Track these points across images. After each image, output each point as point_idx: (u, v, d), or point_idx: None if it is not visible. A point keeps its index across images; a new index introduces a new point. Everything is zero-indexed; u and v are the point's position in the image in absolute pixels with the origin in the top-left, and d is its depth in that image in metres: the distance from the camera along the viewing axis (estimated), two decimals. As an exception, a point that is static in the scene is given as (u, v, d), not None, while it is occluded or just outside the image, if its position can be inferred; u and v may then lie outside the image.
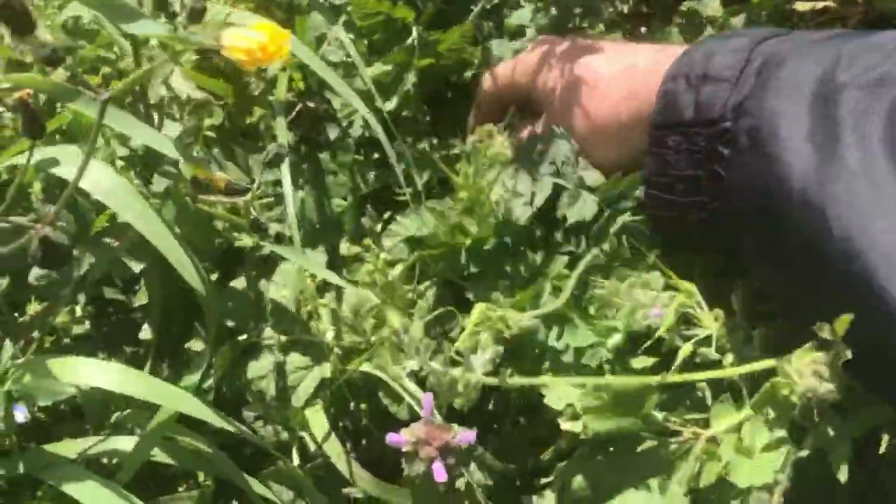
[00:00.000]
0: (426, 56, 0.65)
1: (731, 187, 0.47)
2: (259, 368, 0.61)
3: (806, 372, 0.43)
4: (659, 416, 0.50)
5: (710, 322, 0.51)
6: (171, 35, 0.41)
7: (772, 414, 0.46)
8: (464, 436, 0.54)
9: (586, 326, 0.56)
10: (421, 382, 0.58)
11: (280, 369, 0.61)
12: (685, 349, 0.50)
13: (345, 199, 0.68)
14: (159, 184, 0.51)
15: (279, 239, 0.52)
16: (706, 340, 0.51)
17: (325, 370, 0.61)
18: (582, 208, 0.57)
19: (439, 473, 0.52)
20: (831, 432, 0.46)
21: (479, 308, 0.50)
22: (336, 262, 0.67)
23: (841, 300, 0.41)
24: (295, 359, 0.62)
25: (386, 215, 0.68)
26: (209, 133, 0.60)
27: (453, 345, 0.48)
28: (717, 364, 0.51)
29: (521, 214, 0.58)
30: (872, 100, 0.41)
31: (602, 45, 0.59)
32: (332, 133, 0.67)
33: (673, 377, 0.48)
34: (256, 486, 0.56)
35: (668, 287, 0.52)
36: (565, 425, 0.48)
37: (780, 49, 0.47)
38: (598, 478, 0.50)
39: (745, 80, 0.47)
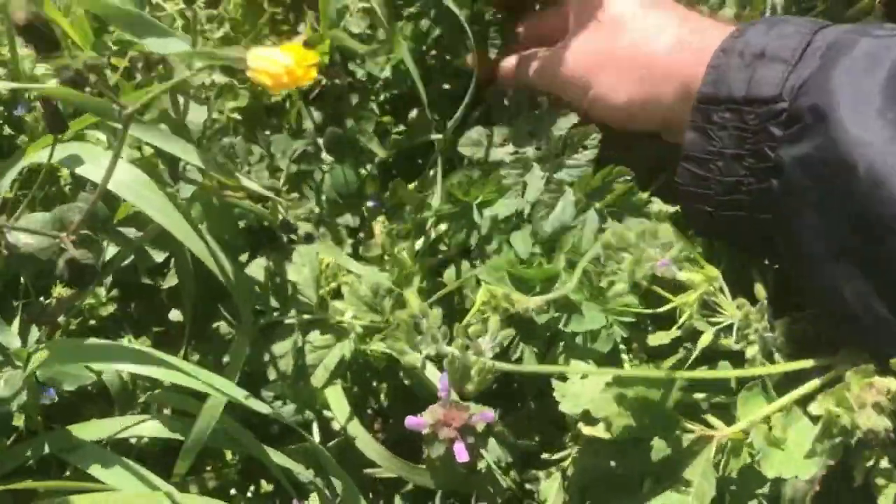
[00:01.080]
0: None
1: (786, 165, 0.46)
2: (282, 348, 0.62)
3: (867, 402, 0.41)
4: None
5: (733, 309, 0.50)
6: (199, 53, 0.40)
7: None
8: (483, 415, 0.54)
9: (598, 308, 0.55)
10: (439, 363, 0.59)
11: (300, 349, 0.62)
12: (706, 337, 0.49)
13: (367, 168, 0.68)
14: (185, 190, 0.51)
15: (309, 239, 0.52)
16: (728, 328, 0.50)
17: (345, 349, 0.61)
18: (560, 215, 0.57)
19: (461, 454, 0.53)
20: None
21: (484, 288, 0.50)
22: (361, 232, 0.68)
23: None
24: (315, 338, 0.62)
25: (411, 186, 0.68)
26: (234, 115, 0.60)
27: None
28: (739, 354, 0.50)
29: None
30: None
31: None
32: (355, 100, 0.66)
33: (698, 373, 0.48)
34: (280, 459, 0.57)
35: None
36: (586, 430, 0.48)
37: (848, 35, 0.46)
38: (609, 468, 0.50)
39: (806, 61, 0.46)
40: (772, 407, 0.48)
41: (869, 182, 0.41)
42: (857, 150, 0.42)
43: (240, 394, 0.52)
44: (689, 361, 0.50)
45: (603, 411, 0.47)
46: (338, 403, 0.61)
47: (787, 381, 0.49)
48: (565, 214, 0.57)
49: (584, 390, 0.50)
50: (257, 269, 0.61)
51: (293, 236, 0.60)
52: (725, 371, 0.50)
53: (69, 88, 0.41)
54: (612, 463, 0.50)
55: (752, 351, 0.50)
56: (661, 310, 0.51)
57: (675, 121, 0.54)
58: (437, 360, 0.44)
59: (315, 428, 0.63)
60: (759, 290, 0.51)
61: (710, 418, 0.49)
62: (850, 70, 0.44)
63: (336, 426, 0.64)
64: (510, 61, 0.65)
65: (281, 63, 0.38)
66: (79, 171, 0.47)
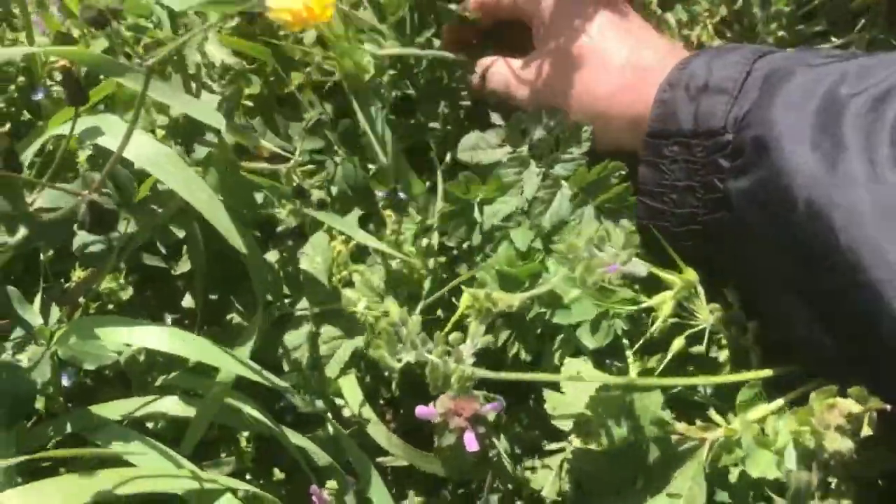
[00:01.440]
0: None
1: (733, 197, 0.47)
2: (295, 338, 0.62)
3: (831, 424, 0.41)
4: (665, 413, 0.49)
5: (706, 314, 0.51)
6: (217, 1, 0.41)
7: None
8: (492, 405, 0.55)
9: (590, 300, 0.55)
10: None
11: (313, 339, 0.62)
12: (677, 343, 0.51)
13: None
14: (200, 152, 0.51)
15: (322, 205, 0.53)
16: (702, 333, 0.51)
17: (359, 341, 0.62)
18: (558, 210, 0.58)
19: (471, 443, 0.53)
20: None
21: (467, 293, 0.50)
22: (370, 227, 0.68)
23: (845, 308, 0.41)
24: (328, 329, 0.62)
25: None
26: (247, 102, 0.61)
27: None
28: (713, 360, 0.52)
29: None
30: (878, 112, 0.41)
31: (622, 19, 0.57)
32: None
33: (678, 380, 0.49)
34: (298, 440, 0.57)
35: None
36: (577, 441, 0.48)
37: (785, 63, 0.47)
38: (603, 469, 0.50)
39: (746, 92, 0.47)
40: (768, 408, 0.48)
41: (807, 215, 0.42)
42: (794, 183, 0.42)
43: (252, 369, 0.52)
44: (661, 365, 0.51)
45: (595, 424, 0.48)
46: (351, 392, 0.62)
47: (787, 382, 0.49)
48: (562, 209, 0.58)
49: (575, 399, 0.51)
50: (269, 259, 0.62)
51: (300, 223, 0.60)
52: (699, 378, 0.51)
53: (87, 50, 0.42)
54: (605, 465, 0.50)
55: (723, 355, 0.52)
56: (649, 302, 0.52)
57: (627, 148, 0.55)
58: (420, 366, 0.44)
59: (328, 418, 0.63)
60: (732, 294, 0.52)
61: (712, 414, 0.50)
62: (786, 102, 0.45)
63: (347, 413, 0.64)
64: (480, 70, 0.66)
65: (300, 0, 0.39)
66: (99, 141, 0.47)
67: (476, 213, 0.61)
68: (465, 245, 0.62)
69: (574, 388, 0.51)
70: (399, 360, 0.43)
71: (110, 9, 0.40)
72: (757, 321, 0.50)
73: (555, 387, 0.53)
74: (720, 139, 0.47)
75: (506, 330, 0.59)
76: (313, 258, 0.62)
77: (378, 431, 0.61)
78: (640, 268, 0.47)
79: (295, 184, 0.51)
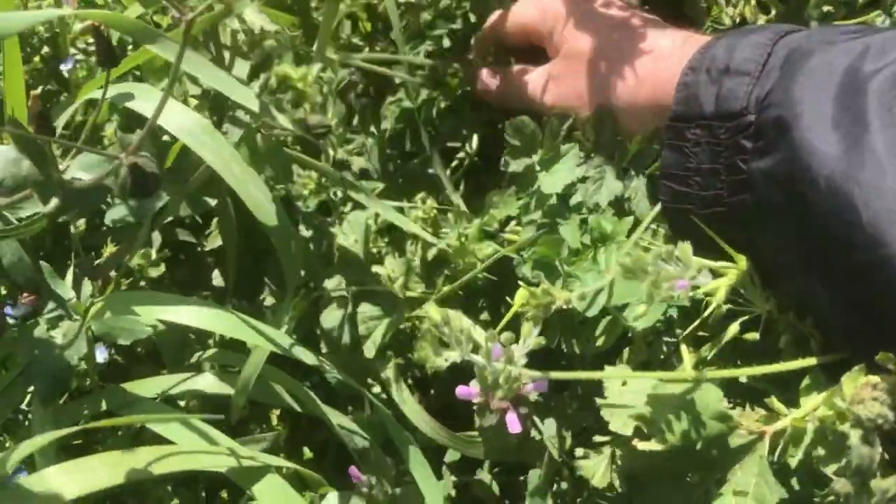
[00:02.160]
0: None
1: (756, 178, 0.47)
2: (333, 318, 0.61)
3: (865, 397, 0.41)
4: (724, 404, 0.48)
5: (761, 301, 0.50)
6: None
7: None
8: (536, 385, 0.53)
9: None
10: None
11: (352, 319, 0.61)
12: (732, 329, 0.49)
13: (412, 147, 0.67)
14: (234, 134, 0.50)
15: (364, 174, 0.51)
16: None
17: (397, 321, 0.60)
18: (611, 186, 0.57)
19: (513, 424, 0.52)
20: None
21: (521, 292, 0.49)
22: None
23: (866, 286, 0.41)
24: (366, 309, 0.61)
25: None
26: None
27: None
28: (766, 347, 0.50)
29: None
30: None
31: (632, 16, 0.58)
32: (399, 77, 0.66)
33: (734, 371, 0.48)
34: (338, 419, 0.56)
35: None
36: (642, 445, 0.47)
37: (806, 42, 0.47)
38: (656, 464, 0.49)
39: (768, 73, 0.47)
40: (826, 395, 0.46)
41: (828, 192, 0.41)
42: (815, 161, 0.42)
43: (286, 342, 0.51)
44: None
45: (654, 422, 0.46)
46: (389, 372, 0.61)
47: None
48: (615, 186, 0.57)
49: (631, 398, 0.49)
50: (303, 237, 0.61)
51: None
52: (759, 367, 0.48)
53: (121, 14, 0.40)
54: (662, 461, 0.49)
55: (782, 341, 0.50)
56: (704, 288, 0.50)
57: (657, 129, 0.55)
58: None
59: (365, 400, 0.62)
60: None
61: (774, 403, 0.48)
62: (807, 81, 0.44)
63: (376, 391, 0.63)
64: (490, 80, 0.67)
65: None
66: (131, 105, 0.46)
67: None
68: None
69: (630, 391, 0.50)
70: (445, 360, 0.42)
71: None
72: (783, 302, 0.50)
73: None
74: (742, 120, 0.47)
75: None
76: (349, 236, 0.61)
77: (416, 413, 0.60)
78: (708, 278, 0.45)
79: (333, 154, 0.50)
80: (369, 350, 0.61)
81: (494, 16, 0.66)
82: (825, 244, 0.43)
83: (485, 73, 0.67)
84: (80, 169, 0.45)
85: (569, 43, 0.59)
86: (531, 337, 0.44)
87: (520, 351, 0.43)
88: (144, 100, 0.47)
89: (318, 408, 0.54)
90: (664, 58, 0.54)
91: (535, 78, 0.62)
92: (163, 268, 0.57)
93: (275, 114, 0.48)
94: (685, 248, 0.45)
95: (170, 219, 0.56)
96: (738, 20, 0.72)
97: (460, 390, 0.52)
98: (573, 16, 0.60)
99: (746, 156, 0.47)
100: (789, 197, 0.44)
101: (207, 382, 0.54)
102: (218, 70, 0.48)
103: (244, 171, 0.49)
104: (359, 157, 0.50)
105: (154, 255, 0.57)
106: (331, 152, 0.50)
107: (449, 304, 0.61)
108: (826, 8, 0.69)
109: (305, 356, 0.52)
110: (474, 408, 0.53)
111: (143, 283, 0.57)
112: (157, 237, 0.59)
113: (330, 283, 0.62)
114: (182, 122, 0.47)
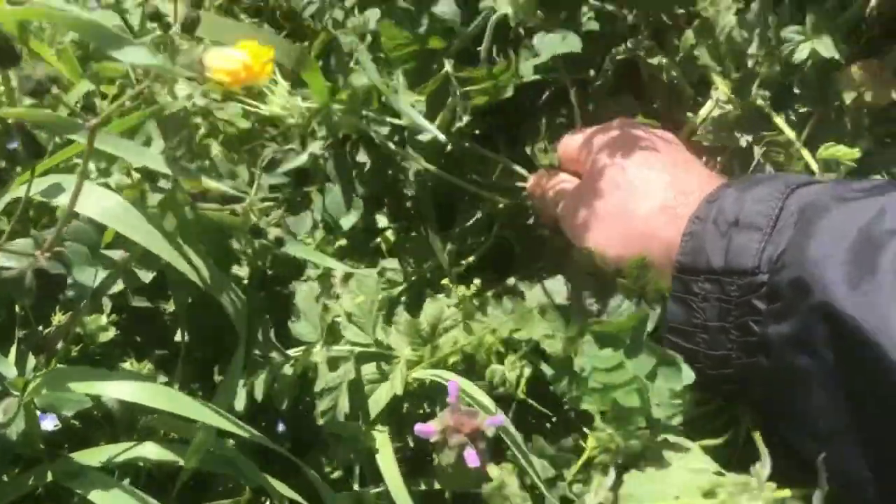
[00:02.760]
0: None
1: (772, 341, 0.45)
2: (334, 380, 0.59)
3: None
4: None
5: None
6: (156, 65, 0.41)
7: None
8: (492, 420, 0.53)
9: None
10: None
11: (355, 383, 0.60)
12: None
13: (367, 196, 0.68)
14: (154, 199, 0.51)
15: (279, 243, 0.52)
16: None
17: (397, 386, 0.59)
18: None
19: (471, 458, 0.52)
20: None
21: (592, 438, 0.50)
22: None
23: None
24: (368, 371, 0.61)
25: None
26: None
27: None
28: None
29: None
30: None
31: (666, 145, 0.57)
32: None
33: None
34: (285, 491, 0.57)
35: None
36: None
37: (820, 198, 0.45)
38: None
39: (781, 230, 0.46)
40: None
41: (859, 349, 0.39)
42: (844, 325, 0.40)
43: (229, 422, 0.52)
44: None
45: None
46: (383, 448, 0.60)
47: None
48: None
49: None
50: (305, 294, 0.61)
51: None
52: None
53: (35, 108, 0.42)
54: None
55: None
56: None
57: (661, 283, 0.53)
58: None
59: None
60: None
61: None
62: (822, 241, 0.43)
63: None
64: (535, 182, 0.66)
65: (238, 60, 0.39)
66: (55, 201, 0.48)
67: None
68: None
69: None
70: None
71: (50, 77, 0.40)
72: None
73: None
74: (754, 279, 0.46)
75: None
76: (356, 297, 0.60)
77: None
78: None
79: (252, 223, 0.50)
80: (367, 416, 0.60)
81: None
82: (860, 400, 0.41)
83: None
84: (6, 260, 0.46)
85: (598, 165, 0.58)
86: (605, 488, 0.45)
87: (593, 501, 0.44)
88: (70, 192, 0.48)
89: (258, 477, 0.55)
90: (685, 193, 0.52)
91: (561, 190, 0.62)
92: (112, 333, 0.59)
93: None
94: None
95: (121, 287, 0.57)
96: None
97: (418, 428, 0.53)
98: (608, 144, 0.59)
99: (759, 317, 0.45)
100: (818, 362, 0.42)
101: (151, 451, 0.55)
102: (136, 146, 0.49)
103: (167, 242, 0.50)
104: (276, 228, 0.50)
105: (105, 321, 0.58)
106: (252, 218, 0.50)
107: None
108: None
109: (243, 430, 0.53)
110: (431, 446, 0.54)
111: (94, 348, 0.59)
112: (108, 301, 0.60)
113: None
114: (104, 205, 0.49)
